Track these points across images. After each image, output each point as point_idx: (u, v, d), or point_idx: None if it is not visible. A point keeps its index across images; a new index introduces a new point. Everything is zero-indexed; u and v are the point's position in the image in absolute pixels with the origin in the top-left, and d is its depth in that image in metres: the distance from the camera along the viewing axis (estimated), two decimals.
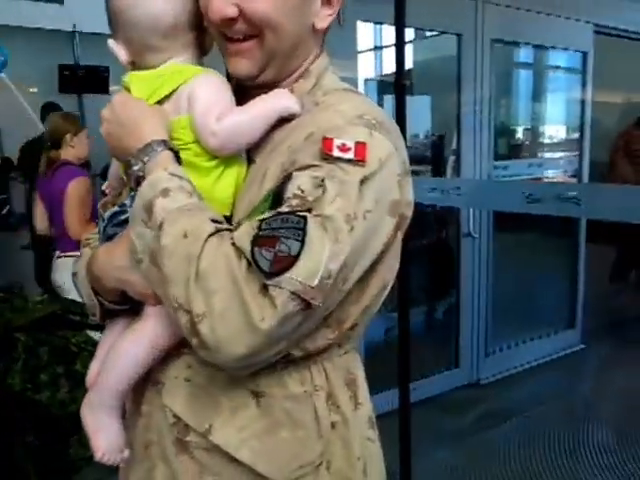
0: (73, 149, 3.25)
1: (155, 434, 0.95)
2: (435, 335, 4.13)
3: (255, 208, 0.83)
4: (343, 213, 0.76)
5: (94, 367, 0.98)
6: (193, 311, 0.74)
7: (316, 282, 0.73)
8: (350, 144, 0.79)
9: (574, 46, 4.27)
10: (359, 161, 0.79)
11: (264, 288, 0.72)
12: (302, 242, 0.73)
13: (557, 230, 4.49)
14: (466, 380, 3.92)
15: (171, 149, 0.85)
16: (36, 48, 9.56)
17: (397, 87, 2.19)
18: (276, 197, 0.80)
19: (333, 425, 0.92)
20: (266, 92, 0.90)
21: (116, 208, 0.94)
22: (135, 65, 0.93)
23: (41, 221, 3.35)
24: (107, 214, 0.95)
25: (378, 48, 5.47)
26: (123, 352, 0.90)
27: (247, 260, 0.74)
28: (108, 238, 0.95)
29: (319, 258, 0.73)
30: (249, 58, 0.89)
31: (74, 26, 9.99)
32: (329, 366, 0.92)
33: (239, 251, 0.75)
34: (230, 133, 0.86)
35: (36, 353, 1.96)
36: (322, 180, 0.77)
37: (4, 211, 6.58)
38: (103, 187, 1.12)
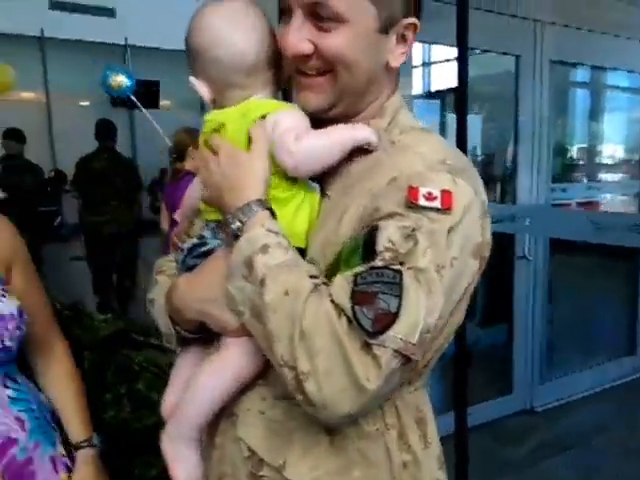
0: (194, 161, 3.53)
1: (229, 466, 0.95)
2: (489, 360, 4.06)
3: (344, 259, 0.82)
4: (434, 264, 0.77)
5: (169, 397, 1.00)
6: (298, 369, 0.75)
7: (416, 338, 0.74)
8: (436, 192, 0.80)
9: (634, 67, 4.17)
10: (446, 210, 0.79)
11: (366, 346, 0.73)
12: (400, 298, 0.74)
13: (616, 253, 4.37)
14: (520, 407, 3.83)
15: (268, 208, 0.87)
16: (88, 61, 9.81)
17: (458, 107, 2.20)
18: (366, 248, 0.79)
19: (405, 465, 0.91)
20: None
21: (195, 240, 0.96)
22: (216, 102, 0.95)
23: (165, 223, 3.96)
24: (186, 245, 0.97)
25: (426, 64, 5.45)
26: (202, 385, 0.91)
27: (347, 317, 0.74)
28: (188, 269, 0.96)
29: (418, 313, 0.74)
30: (320, 93, 0.90)
31: (126, 39, 10.22)
32: (400, 404, 0.92)
33: (339, 308, 0.75)
34: (307, 154, 0.88)
35: (101, 372, 1.99)
36: (412, 231, 0.77)
37: (56, 222, 6.75)
38: (175, 216, 1.16)
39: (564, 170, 4.45)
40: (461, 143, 2.14)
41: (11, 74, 6.14)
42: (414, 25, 0.91)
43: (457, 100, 2.19)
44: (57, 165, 8.75)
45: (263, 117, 0.89)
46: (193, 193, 1.08)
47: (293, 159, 0.87)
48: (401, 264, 0.75)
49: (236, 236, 0.85)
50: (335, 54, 0.86)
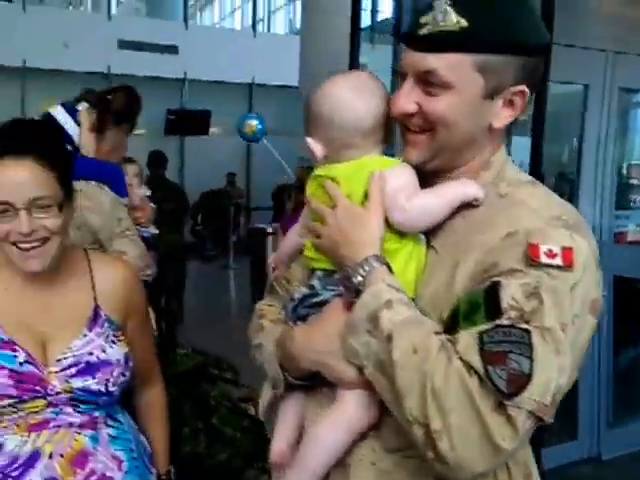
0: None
1: None
2: None
3: (464, 315, 0.83)
4: (559, 322, 0.78)
5: (278, 444, 1.03)
6: (430, 426, 0.77)
7: (549, 399, 0.76)
8: (556, 250, 0.81)
9: None
10: (567, 267, 0.81)
11: (499, 406, 0.75)
12: (531, 358, 0.76)
13: None
14: (585, 454, 3.64)
15: (386, 263, 0.91)
16: (148, 94, 10.05)
17: (535, 133, 2.18)
18: (488, 305, 0.81)
19: None
20: (442, 179, 0.97)
21: (305, 290, 1.01)
22: (327, 158, 1.01)
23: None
24: (297, 295, 1.02)
25: None
26: (322, 437, 0.94)
27: (478, 376, 0.76)
28: (299, 318, 1.01)
29: (550, 375, 0.76)
30: (420, 149, 0.96)
31: (185, 74, 10.66)
32: (511, 460, 0.91)
33: (469, 367, 0.77)
34: (419, 212, 0.93)
35: (180, 406, 1.99)
36: (534, 289, 0.79)
37: None
38: (269, 261, 1.25)
39: (629, 197, 4.27)
40: (535, 167, 2.07)
41: None
42: (523, 92, 0.93)
43: (534, 127, 2.14)
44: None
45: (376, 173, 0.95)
46: (293, 238, 1.15)
47: (405, 216, 0.93)
48: (527, 323, 0.77)
49: (357, 290, 0.89)
50: (438, 116, 0.91)
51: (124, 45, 10.06)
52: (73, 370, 1.23)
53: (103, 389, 1.25)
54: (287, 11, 16.52)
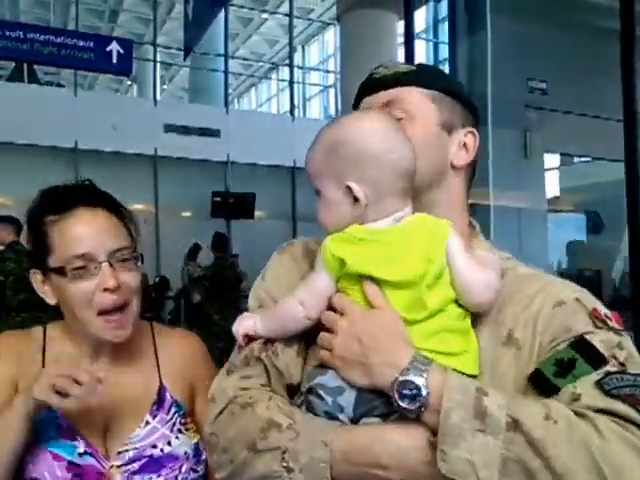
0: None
1: None
2: None
3: (558, 374, 0.80)
4: None
5: None
6: None
7: None
8: (608, 313, 0.86)
9: None
10: (620, 329, 0.85)
11: None
12: None
13: None
14: None
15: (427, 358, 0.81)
16: (193, 176, 10.46)
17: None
18: (589, 357, 0.80)
19: None
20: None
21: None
22: (364, 208, 0.87)
23: None
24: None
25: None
26: None
27: (632, 422, 0.74)
28: (379, 414, 0.82)
29: None
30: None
31: (228, 156, 10.98)
32: None
33: (617, 416, 0.75)
34: (495, 286, 0.88)
35: None
36: (617, 343, 0.82)
37: None
38: (244, 330, 0.95)
39: None
40: None
41: None
42: (473, 133, 0.99)
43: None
44: (161, 271, 9.19)
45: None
46: (292, 313, 0.91)
47: (491, 292, 0.87)
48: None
49: (419, 396, 0.76)
50: None
51: (169, 129, 10.45)
52: (136, 465, 1.06)
53: None
54: (321, 98, 17.22)
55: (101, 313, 1.03)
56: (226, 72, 12.54)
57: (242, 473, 0.85)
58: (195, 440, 1.12)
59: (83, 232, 1.03)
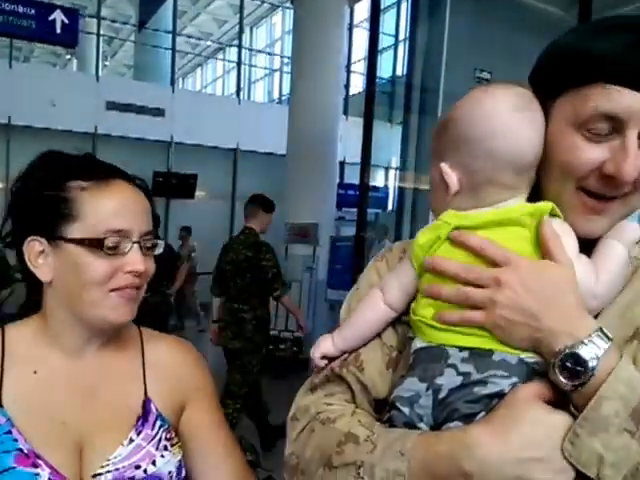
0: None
1: None
2: None
3: None
4: None
5: None
6: None
7: None
8: None
9: None
10: None
11: None
12: None
13: None
14: None
15: (612, 338, 0.71)
16: (135, 155, 10.21)
17: None
18: None
19: None
20: None
21: (460, 379, 0.74)
22: (458, 194, 0.80)
23: None
24: (446, 385, 0.74)
25: None
26: None
27: None
28: (448, 418, 0.74)
29: None
30: (610, 218, 0.78)
31: (171, 136, 10.80)
32: None
33: None
34: (607, 293, 0.76)
35: None
36: None
37: None
38: (321, 353, 0.91)
39: None
40: None
41: None
42: None
43: None
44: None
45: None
46: (371, 314, 0.87)
47: (599, 302, 0.75)
48: None
49: (583, 374, 0.68)
50: None
51: (111, 106, 10.20)
52: None
53: None
54: (265, 82, 17.10)
55: (113, 290, 0.94)
56: (173, 50, 12.28)
57: None
58: (179, 457, 1.01)
59: (124, 206, 0.94)
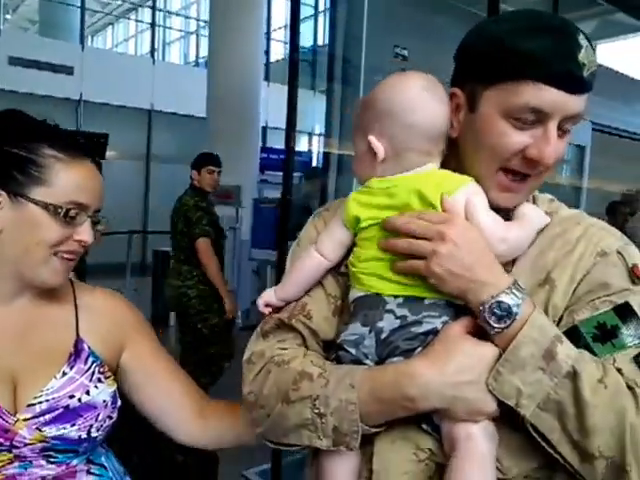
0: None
1: None
2: None
3: (597, 338, 0.83)
4: None
5: None
6: (626, 460, 0.76)
7: None
8: None
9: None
10: None
11: None
12: None
13: None
14: None
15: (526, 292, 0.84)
16: (41, 114, 9.60)
17: None
18: (628, 326, 0.83)
19: None
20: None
21: (398, 321, 0.87)
22: (384, 162, 0.93)
23: None
24: (387, 327, 0.87)
25: None
26: None
27: None
28: (391, 354, 0.87)
29: None
30: (522, 195, 0.92)
31: (81, 95, 10.33)
32: None
33: None
34: (517, 243, 0.89)
35: None
36: None
37: None
38: (265, 300, 1.04)
39: None
40: None
41: None
42: None
43: None
44: None
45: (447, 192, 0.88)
46: (311, 265, 0.99)
47: (507, 245, 0.88)
48: None
49: (507, 319, 0.81)
50: (558, 159, 0.89)
51: (14, 62, 9.60)
52: (47, 417, 1.02)
53: (85, 435, 1.05)
54: (181, 44, 16.62)
55: (57, 254, 1.04)
56: (83, 7, 11.73)
57: (277, 426, 0.91)
58: (114, 388, 1.12)
59: (90, 185, 1.06)
